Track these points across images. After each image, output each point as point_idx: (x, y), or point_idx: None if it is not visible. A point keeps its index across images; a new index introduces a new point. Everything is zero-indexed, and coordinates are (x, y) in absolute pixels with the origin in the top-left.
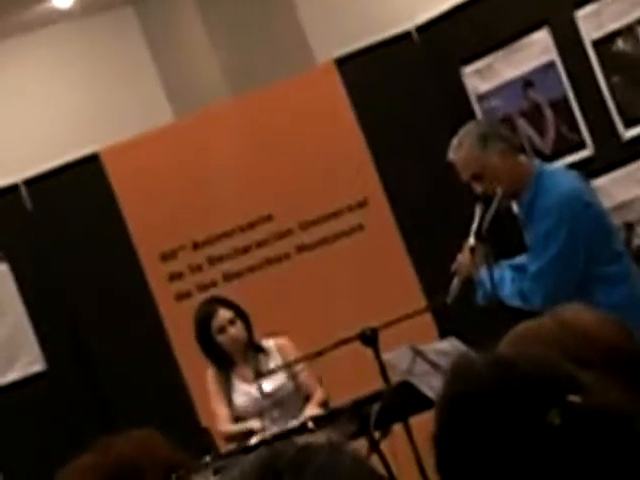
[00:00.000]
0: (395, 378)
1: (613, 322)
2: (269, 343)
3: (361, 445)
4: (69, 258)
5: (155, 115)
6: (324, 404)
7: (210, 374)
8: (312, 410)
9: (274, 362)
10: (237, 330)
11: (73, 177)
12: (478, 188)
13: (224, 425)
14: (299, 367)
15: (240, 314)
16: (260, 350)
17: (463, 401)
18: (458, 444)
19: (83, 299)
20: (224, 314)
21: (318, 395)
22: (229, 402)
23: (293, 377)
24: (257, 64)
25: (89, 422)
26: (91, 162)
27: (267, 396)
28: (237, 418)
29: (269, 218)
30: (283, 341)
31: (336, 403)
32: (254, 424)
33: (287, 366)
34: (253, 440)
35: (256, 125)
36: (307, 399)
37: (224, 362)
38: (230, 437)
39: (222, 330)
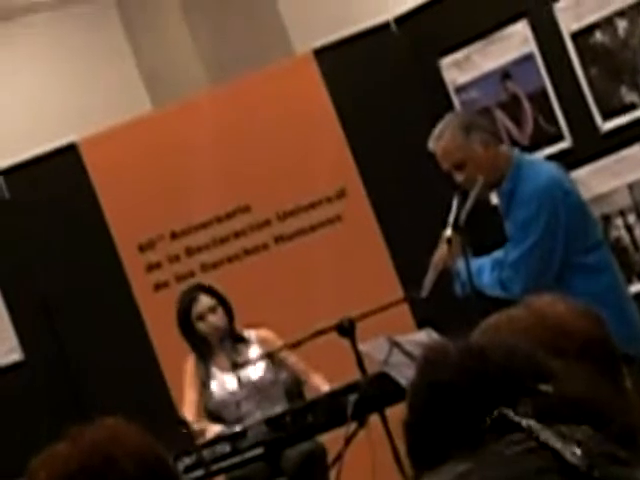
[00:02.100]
0: (372, 369)
1: (587, 312)
2: (250, 334)
3: (338, 436)
4: (46, 248)
5: (133, 105)
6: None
7: (190, 361)
8: (319, 381)
9: (254, 353)
10: (217, 318)
11: (51, 167)
12: (459, 178)
13: (187, 411)
14: (290, 358)
15: (223, 302)
16: (240, 340)
17: (434, 388)
18: (428, 431)
19: (61, 289)
20: (205, 301)
21: (317, 380)
22: (203, 390)
23: (279, 365)
24: (236, 54)
25: (66, 412)
26: (69, 152)
27: (244, 386)
28: (212, 409)
29: (247, 209)
30: (265, 333)
31: (313, 394)
32: (214, 429)
33: (265, 357)
34: (236, 428)
35: (234, 115)
36: (297, 384)
37: (203, 350)
38: (186, 426)
39: (201, 317)
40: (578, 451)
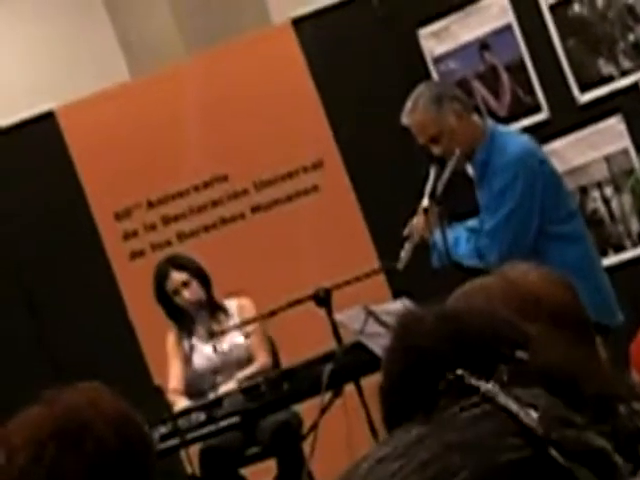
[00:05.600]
0: (348, 338)
1: (559, 280)
2: (231, 303)
3: (313, 405)
4: (23, 217)
5: (111, 73)
6: (263, 370)
7: (171, 335)
8: (244, 373)
9: (233, 322)
10: (192, 292)
11: (28, 135)
12: (436, 150)
13: (172, 384)
14: (251, 330)
15: (196, 274)
16: (219, 309)
17: (409, 354)
18: (403, 397)
19: (36, 258)
20: (176, 277)
21: (260, 361)
22: (187, 362)
23: (245, 337)
24: (214, 23)
25: (43, 380)
26: (46, 120)
27: (220, 355)
28: (190, 379)
29: (224, 178)
30: (244, 302)
31: (289, 363)
32: (180, 404)
33: (239, 326)
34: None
35: (212, 85)
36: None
37: (183, 323)
38: (162, 393)
39: (176, 293)
40: (534, 414)
